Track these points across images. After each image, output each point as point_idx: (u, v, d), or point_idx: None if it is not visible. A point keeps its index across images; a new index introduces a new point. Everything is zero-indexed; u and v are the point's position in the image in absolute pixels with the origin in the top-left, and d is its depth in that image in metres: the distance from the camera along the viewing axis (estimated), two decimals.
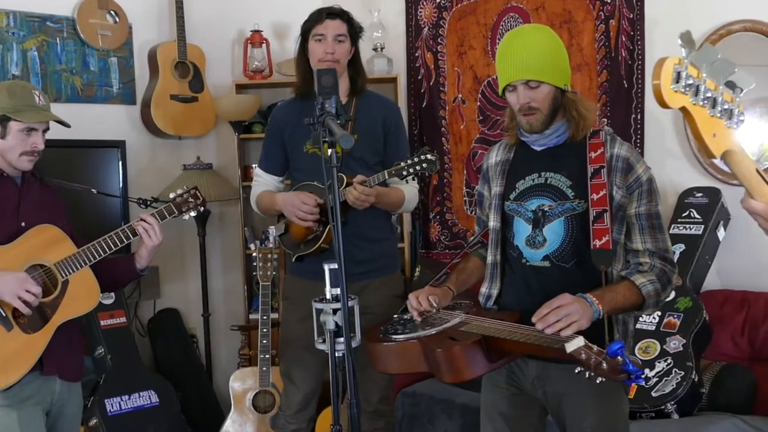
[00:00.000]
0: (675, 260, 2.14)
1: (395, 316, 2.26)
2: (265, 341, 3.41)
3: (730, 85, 1.25)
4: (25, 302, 2.24)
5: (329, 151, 1.93)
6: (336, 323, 2.02)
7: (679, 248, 3.29)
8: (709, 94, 1.23)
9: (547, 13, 3.84)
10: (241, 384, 3.53)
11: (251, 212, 3.25)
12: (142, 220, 2.50)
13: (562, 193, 2.07)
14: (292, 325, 2.88)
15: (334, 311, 2.02)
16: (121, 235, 2.46)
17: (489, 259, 2.23)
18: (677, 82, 1.20)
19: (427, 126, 4.24)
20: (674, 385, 2.91)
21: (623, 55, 3.64)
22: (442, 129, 4.19)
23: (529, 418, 2.19)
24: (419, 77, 4.24)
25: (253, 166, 3.05)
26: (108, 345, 3.64)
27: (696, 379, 2.94)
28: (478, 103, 4.08)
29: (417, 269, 4.02)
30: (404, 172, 2.63)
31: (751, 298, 3.24)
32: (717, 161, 1.30)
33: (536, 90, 2.02)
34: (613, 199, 2.01)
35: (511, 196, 2.16)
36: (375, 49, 4.18)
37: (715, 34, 3.39)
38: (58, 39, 3.89)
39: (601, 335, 1.86)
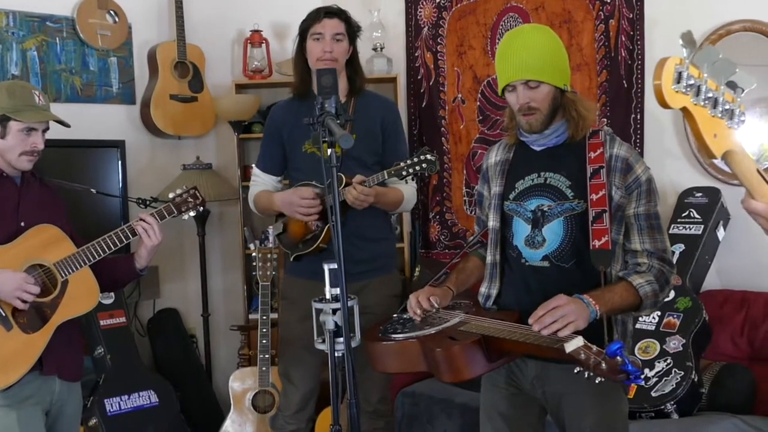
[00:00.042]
0: (675, 260, 2.14)
1: (394, 315, 2.26)
2: (264, 341, 3.41)
3: (731, 86, 1.25)
4: (23, 302, 2.25)
5: (329, 151, 1.93)
6: (335, 323, 2.02)
7: (678, 248, 3.29)
8: (710, 95, 1.23)
9: (546, 13, 3.83)
10: (240, 384, 3.53)
11: (251, 212, 3.25)
12: (141, 219, 2.50)
13: (562, 193, 2.07)
14: (291, 325, 2.88)
15: (334, 311, 2.02)
16: (121, 235, 2.46)
17: (488, 259, 2.23)
18: (678, 82, 1.20)
19: (427, 126, 4.23)
20: (674, 385, 2.91)
21: (623, 54, 3.64)
22: (442, 129, 4.19)
23: (528, 418, 2.19)
24: (419, 77, 4.24)
25: (253, 166, 3.05)
26: (107, 345, 3.64)
27: (696, 379, 2.94)
28: (478, 103, 4.08)
29: (417, 269, 4.02)
30: (404, 172, 2.62)
31: (750, 298, 3.23)
32: (717, 161, 1.30)
33: (536, 90, 2.02)
34: (612, 200, 2.01)
35: (511, 196, 2.16)
36: (375, 49, 4.18)
37: (714, 34, 3.39)
38: (57, 39, 3.89)
39: (600, 335, 1.86)
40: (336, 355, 2.04)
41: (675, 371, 2.95)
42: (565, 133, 2.09)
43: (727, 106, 1.25)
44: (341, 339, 1.99)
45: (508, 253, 2.17)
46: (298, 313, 2.81)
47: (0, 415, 2.26)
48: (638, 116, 3.62)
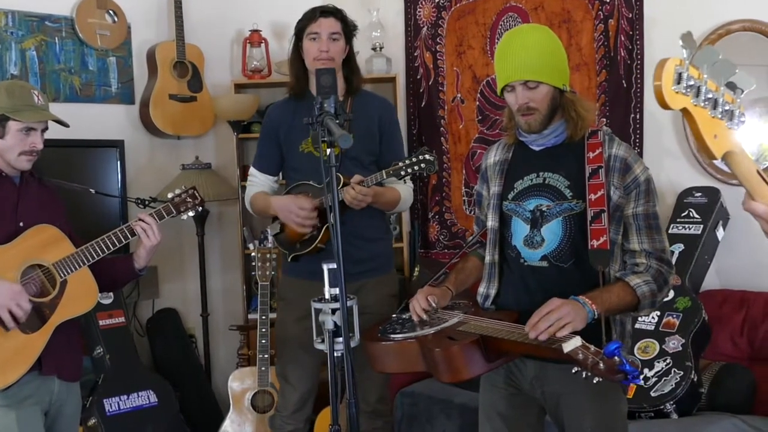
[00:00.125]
0: (674, 260, 2.14)
1: (393, 315, 2.26)
2: (263, 341, 3.41)
3: (731, 86, 1.25)
4: (13, 316, 2.22)
5: (328, 150, 1.93)
6: (335, 323, 2.02)
7: (678, 248, 3.29)
8: (710, 95, 1.22)
9: (546, 13, 3.83)
10: (239, 384, 3.53)
11: (250, 212, 3.25)
12: (140, 220, 2.50)
13: (560, 193, 2.07)
14: (288, 326, 2.88)
15: (333, 311, 2.02)
16: (120, 235, 2.46)
17: (487, 258, 2.22)
18: (678, 83, 1.20)
19: (426, 126, 4.23)
20: (673, 385, 2.91)
21: (622, 54, 3.64)
22: (441, 128, 4.19)
23: (527, 418, 2.19)
24: (418, 77, 4.24)
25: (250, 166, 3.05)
26: (107, 345, 3.64)
27: (695, 379, 2.94)
28: (477, 103, 4.07)
29: (416, 269, 4.02)
30: (402, 172, 2.62)
31: (750, 298, 3.23)
32: (717, 161, 1.29)
33: (535, 90, 2.02)
34: (610, 199, 2.01)
35: (510, 196, 2.16)
36: (374, 49, 4.18)
37: (714, 34, 3.39)
38: (56, 39, 3.88)
39: (598, 336, 1.86)
40: (335, 355, 2.04)
41: (674, 371, 2.95)
42: (564, 133, 2.09)
43: (727, 107, 1.24)
44: (340, 339, 1.99)
45: (507, 253, 2.17)
46: (295, 313, 2.81)
47: None
48: (637, 116, 3.62)
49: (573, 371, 1.68)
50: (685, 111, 1.23)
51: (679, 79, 1.20)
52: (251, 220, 4.25)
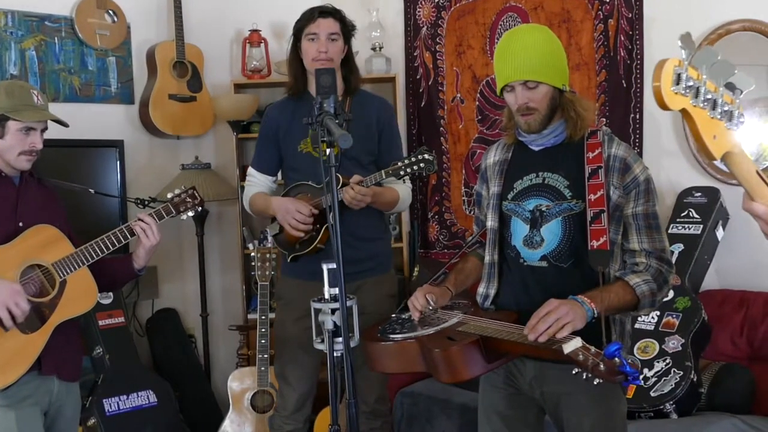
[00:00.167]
0: (674, 260, 2.14)
1: (393, 315, 2.26)
2: (263, 341, 3.41)
3: (730, 87, 1.25)
4: (12, 315, 2.22)
5: (328, 150, 1.93)
6: (334, 323, 2.02)
7: (677, 248, 3.29)
8: (709, 96, 1.22)
9: (545, 13, 3.83)
10: (239, 384, 3.53)
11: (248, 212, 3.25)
12: (140, 219, 2.50)
13: (560, 193, 2.06)
14: (287, 326, 2.87)
15: (333, 311, 2.02)
16: (119, 235, 2.46)
17: (487, 258, 2.22)
18: (677, 83, 1.20)
19: (426, 125, 4.23)
20: (673, 385, 2.91)
21: (622, 54, 3.64)
22: (441, 128, 4.19)
23: (526, 418, 2.19)
24: (418, 77, 4.24)
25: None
26: (106, 345, 3.64)
27: (695, 379, 2.94)
28: (477, 103, 4.07)
29: (415, 269, 4.01)
30: (401, 172, 2.62)
31: (749, 298, 3.23)
32: (717, 162, 1.29)
33: (534, 90, 2.02)
34: (610, 199, 2.01)
35: (509, 196, 2.16)
36: (373, 49, 4.18)
37: (713, 34, 3.39)
38: (56, 38, 3.88)
39: (598, 336, 1.86)
40: (335, 355, 2.04)
41: (674, 371, 2.95)
42: (564, 133, 2.09)
43: (726, 108, 1.24)
44: (340, 339, 1.99)
45: (507, 253, 2.17)
46: (294, 313, 2.81)
47: None
48: (637, 116, 3.62)
49: (573, 372, 1.68)
50: (684, 112, 1.23)
51: (678, 80, 1.20)
52: (251, 220, 4.25)
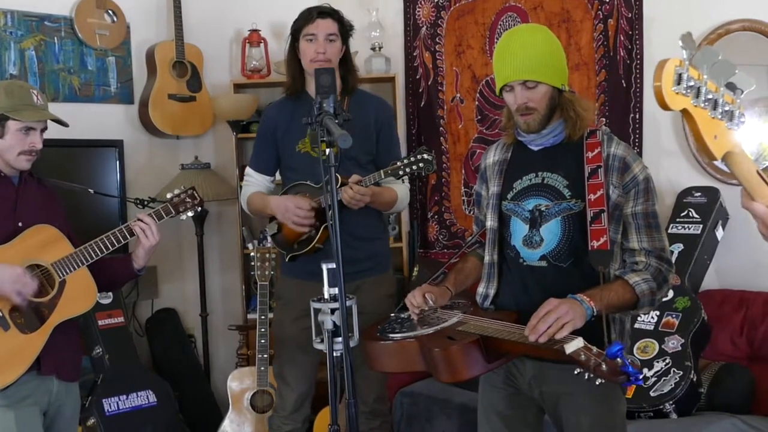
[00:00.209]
0: (673, 260, 2.14)
1: (392, 315, 2.26)
2: (263, 341, 3.41)
3: (731, 87, 1.25)
4: (22, 297, 2.24)
5: (327, 150, 1.92)
6: (334, 323, 2.02)
7: (677, 248, 3.29)
8: (710, 96, 1.22)
9: (545, 13, 3.83)
10: (239, 384, 3.53)
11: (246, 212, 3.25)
12: (139, 220, 2.50)
13: (559, 193, 2.06)
14: (286, 326, 2.87)
15: (332, 311, 2.02)
16: (119, 235, 2.46)
17: (486, 258, 2.22)
18: (678, 84, 1.20)
19: (425, 125, 4.23)
20: (673, 385, 2.91)
21: (622, 54, 3.64)
22: (441, 128, 4.18)
23: (526, 418, 2.19)
24: (417, 77, 4.24)
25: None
26: (106, 345, 3.64)
27: (694, 379, 2.94)
28: (477, 103, 4.07)
29: (415, 269, 4.01)
30: (401, 172, 2.62)
31: (749, 298, 3.23)
32: (717, 162, 1.29)
33: (533, 90, 2.02)
34: (609, 199, 2.00)
35: (509, 196, 2.16)
36: (373, 49, 4.17)
37: (713, 34, 3.39)
38: (55, 38, 3.88)
39: (599, 336, 1.86)
40: (334, 354, 2.04)
41: (674, 371, 2.95)
42: (563, 133, 2.09)
43: (726, 108, 1.24)
44: (339, 339, 1.99)
45: (506, 253, 2.17)
46: (292, 313, 2.81)
47: None
48: (637, 116, 3.62)
49: (575, 372, 1.68)
50: (685, 112, 1.23)
51: (679, 80, 1.20)
52: (250, 220, 4.25)
